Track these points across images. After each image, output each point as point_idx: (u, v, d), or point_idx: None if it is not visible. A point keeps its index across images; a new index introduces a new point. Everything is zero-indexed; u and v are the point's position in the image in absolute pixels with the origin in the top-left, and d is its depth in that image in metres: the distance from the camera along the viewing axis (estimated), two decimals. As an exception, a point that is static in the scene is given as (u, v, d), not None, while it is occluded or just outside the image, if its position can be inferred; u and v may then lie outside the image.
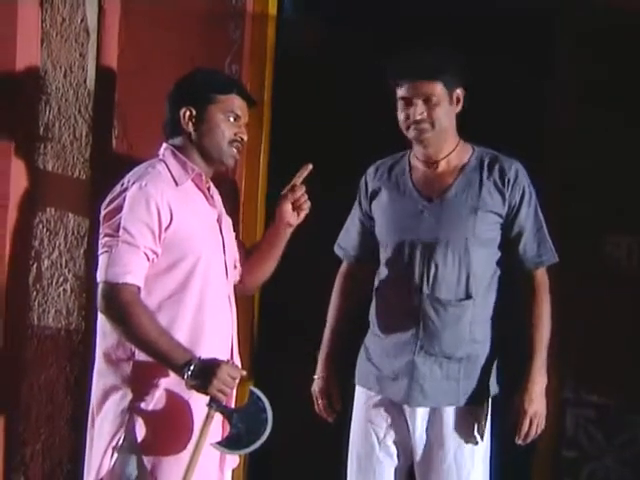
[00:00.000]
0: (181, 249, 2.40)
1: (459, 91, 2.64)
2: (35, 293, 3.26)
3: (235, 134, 2.49)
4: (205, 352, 2.38)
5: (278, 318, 3.30)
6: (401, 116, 2.63)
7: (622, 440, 2.92)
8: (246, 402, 2.46)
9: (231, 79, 2.62)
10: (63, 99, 3.21)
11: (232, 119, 2.48)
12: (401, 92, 2.62)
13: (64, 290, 3.24)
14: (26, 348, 3.25)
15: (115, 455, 2.41)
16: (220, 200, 2.65)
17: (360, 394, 2.77)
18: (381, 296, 2.74)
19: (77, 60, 3.19)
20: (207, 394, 2.33)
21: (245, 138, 2.52)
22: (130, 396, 2.41)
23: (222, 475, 2.54)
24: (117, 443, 2.41)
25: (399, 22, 3.17)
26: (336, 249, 2.90)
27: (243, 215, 3.12)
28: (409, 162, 2.73)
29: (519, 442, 2.63)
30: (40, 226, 3.24)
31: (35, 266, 3.25)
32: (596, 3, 2.89)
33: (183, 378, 2.31)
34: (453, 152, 2.67)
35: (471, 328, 2.62)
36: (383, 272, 2.73)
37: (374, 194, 2.77)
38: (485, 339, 2.66)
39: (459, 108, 2.66)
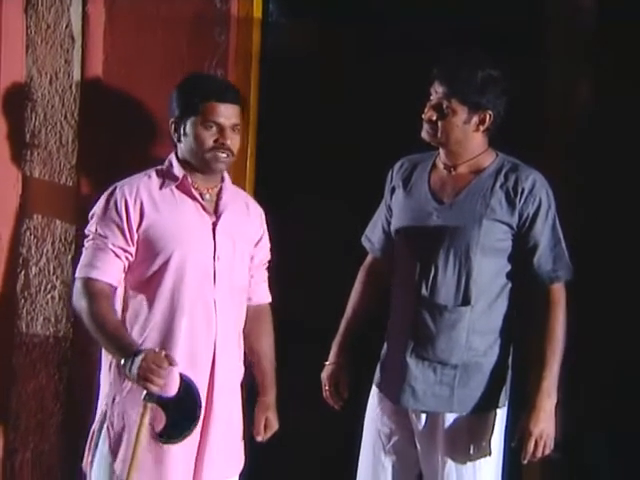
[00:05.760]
0: (152, 249, 2.48)
1: (485, 115, 2.55)
2: (23, 301, 3.23)
3: (215, 141, 2.49)
4: (179, 353, 2.43)
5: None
6: None
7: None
8: (178, 389, 2.41)
9: (215, 85, 2.59)
10: (49, 105, 3.19)
11: (212, 127, 2.49)
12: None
13: (52, 297, 3.22)
14: (15, 356, 3.23)
15: (91, 454, 2.52)
16: (237, 206, 2.63)
17: (374, 393, 2.76)
18: (391, 296, 2.73)
19: (62, 66, 3.17)
20: (141, 386, 2.32)
21: (227, 142, 2.50)
22: (108, 398, 2.50)
23: None
24: (94, 442, 2.51)
25: (385, 24, 3.16)
26: (363, 241, 2.88)
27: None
28: (434, 162, 2.69)
29: (524, 462, 2.56)
30: (27, 233, 3.22)
31: (23, 274, 3.23)
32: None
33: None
34: (474, 159, 2.61)
35: (468, 336, 2.57)
36: (394, 270, 2.71)
37: (394, 189, 2.75)
38: (488, 349, 2.60)
39: (482, 129, 2.57)
